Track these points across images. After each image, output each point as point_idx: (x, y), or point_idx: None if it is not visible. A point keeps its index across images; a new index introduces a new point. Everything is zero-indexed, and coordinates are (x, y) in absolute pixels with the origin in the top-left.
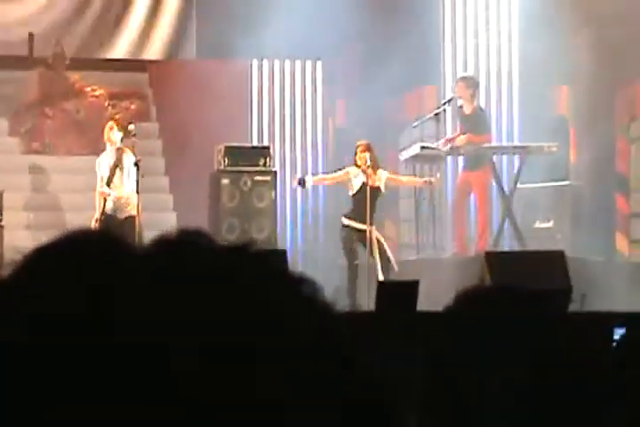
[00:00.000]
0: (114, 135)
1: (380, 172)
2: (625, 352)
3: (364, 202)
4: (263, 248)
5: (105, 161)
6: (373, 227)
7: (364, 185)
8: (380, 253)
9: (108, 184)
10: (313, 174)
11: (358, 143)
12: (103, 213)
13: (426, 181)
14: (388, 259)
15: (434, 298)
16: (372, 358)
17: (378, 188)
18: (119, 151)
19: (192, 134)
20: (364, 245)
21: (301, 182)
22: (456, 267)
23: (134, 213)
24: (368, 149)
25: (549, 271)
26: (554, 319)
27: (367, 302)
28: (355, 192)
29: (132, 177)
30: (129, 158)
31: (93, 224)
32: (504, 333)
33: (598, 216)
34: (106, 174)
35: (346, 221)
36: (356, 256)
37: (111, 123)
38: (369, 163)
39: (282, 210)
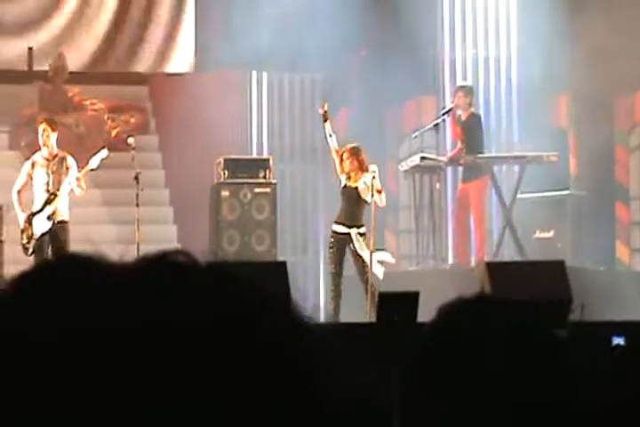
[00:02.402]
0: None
1: (365, 174)
2: (624, 362)
3: (347, 204)
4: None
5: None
6: (355, 230)
7: (344, 188)
8: (357, 262)
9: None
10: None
11: (343, 149)
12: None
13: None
14: (365, 268)
15: (434, 309)
16: (343, 372)
17: (355, 188)
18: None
19: (192, 147)
20: (345, 251)
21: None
22: (456, 277)
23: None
24: (351, 154)
25: (550, 281)
26: (539, 332)
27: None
28: (340, 196)
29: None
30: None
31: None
32: (487, 346)
33: (599, 225)
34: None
35: (333, 227)
36: (338, 263)
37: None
38: (347, 169)
39: (282, 222)
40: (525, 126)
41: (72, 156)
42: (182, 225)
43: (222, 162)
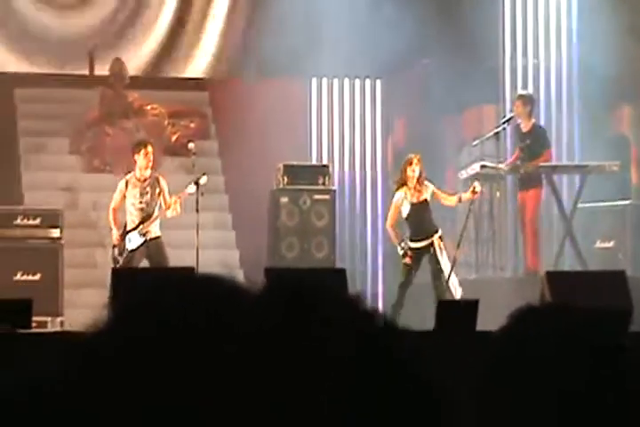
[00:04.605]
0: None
1: (426, 184)
2: None
3: (419, 220)
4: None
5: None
6: (435, 237)
7: (412, 206)
8: (435, 269)
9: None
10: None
11: (411, 156)
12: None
13: (474, 192)
14: (442, 279)
15: (493, 318)
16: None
17: (425, 200)
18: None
19: (251, 152)
20: (420, 262)
21: (405, 254)
22: (516, 286)
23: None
24: (420, 162)
25: (611, 292)
26: (611, 341)
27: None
28: (406, 216)
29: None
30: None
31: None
32: (558, 353)
33: None
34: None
35: (410, 244)
36: (410, 275)
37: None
38: (416, 176)
39: (341, 228)
40: (587, 135)
41: (164, 178)
42: (241, 231)
43: (282, 168)
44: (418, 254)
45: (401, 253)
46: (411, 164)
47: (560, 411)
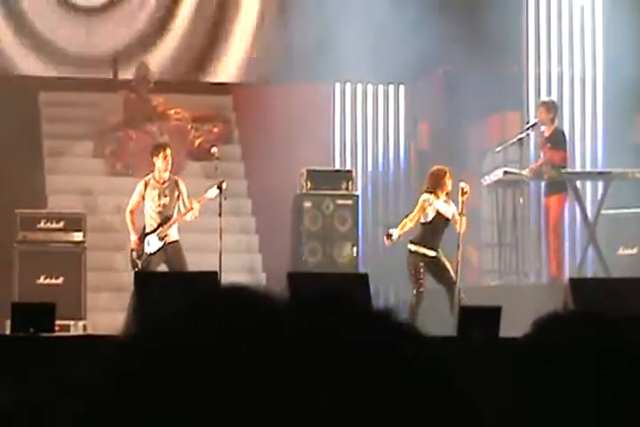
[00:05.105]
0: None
1: (450, 203)
2: None
3: (437, 231)
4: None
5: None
6: (440, 252)
7: (437, 215)
8: (445, 280)
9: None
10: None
11: (445, 169)
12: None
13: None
14: (453, 285)
15: (516, 324)
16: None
17: (448, 219)
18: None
19: (275, 157)
20: (431, 271)
21: (389, 236)
22: (539, 293)
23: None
24: (451, 175)
25: (634, 298)
26: (636, 348)
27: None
28: (428, 221)
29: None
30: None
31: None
32: (583, 360)
33: None
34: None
35: (413, 247)
36: (422, 283)
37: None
38: (449, 189)
39: (364, 233)
40: (610, 142)
41: (184, 182)
42: (264, 235)
43: (305, 173)
44: (430, 263)
45: (390, 232)
46: (448, 176)
47: (586, 419)
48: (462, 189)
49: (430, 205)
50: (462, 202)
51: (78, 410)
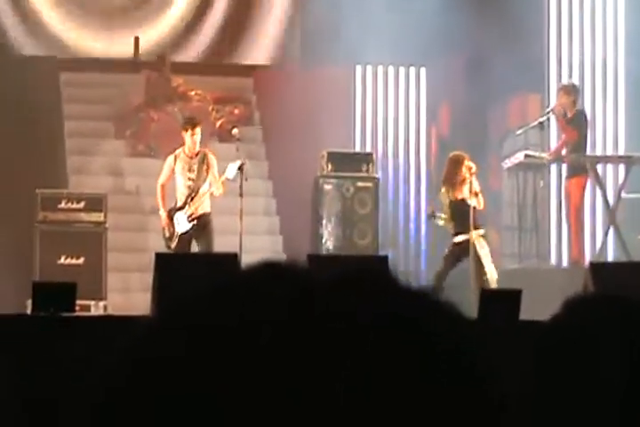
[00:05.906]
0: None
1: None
2: None
3: (466, 215)
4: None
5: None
6: (472, 233)
7: (451, 202)
8: (475, 263)
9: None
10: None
11: (462, 155)
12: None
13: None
14: (482, 270)
15: (535, 308)
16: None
17: (463, 200)
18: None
19: (295, 139)
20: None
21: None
22: (559, 276)
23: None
24: (471, 159)
25: None
26: None
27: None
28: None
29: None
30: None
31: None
32: (610, 344)
33: None
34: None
35: (454, 239)
36: (449, 267)
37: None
38: (465, 176)
39: (384, 216)
40: (632, 126)
41: (213, 154)
42: (285, 217)
43: (325, 155)
44: (461, 248)
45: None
46: (464, 161)
47: (611, 401)
48: (470, 169)
49: (448, 196)
50: (470, 182)
51: (96, 399)
